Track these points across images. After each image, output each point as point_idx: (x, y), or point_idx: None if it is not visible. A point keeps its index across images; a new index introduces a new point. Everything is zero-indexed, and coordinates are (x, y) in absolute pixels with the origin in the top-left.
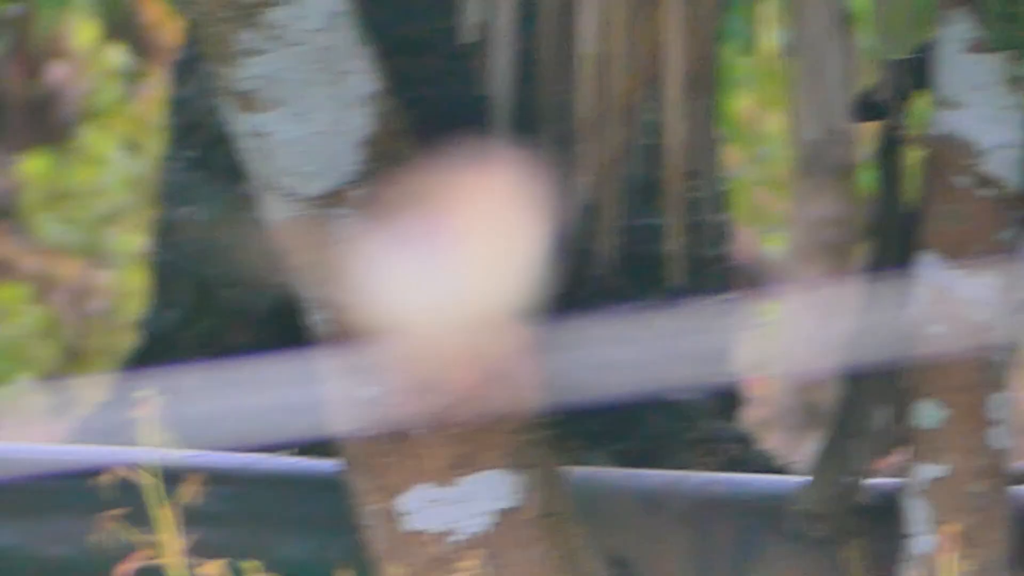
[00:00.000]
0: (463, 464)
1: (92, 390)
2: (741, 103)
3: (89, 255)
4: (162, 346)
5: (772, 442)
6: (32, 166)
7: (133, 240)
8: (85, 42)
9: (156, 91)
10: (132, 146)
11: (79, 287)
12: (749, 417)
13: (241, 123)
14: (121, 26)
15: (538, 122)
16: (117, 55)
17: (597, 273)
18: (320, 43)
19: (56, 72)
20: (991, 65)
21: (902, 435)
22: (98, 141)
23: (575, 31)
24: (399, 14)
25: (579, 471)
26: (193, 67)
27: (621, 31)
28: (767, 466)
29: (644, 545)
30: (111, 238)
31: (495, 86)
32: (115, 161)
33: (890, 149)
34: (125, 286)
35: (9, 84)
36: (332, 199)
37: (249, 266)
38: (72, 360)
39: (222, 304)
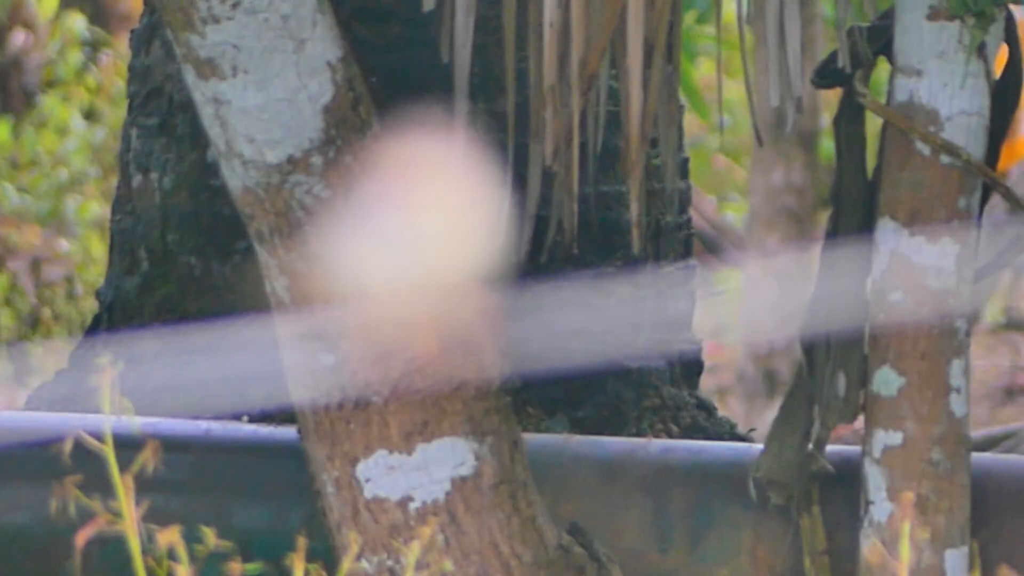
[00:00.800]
0: (422, 431)
1: (51, 357)
2: (702, 71)
3: (49, 223)
4: (122, 313)
5: (731, 409)
6: None
7: (93, 208)
8: (46, 11)
9: (115, 60)
10: (93, 114)
11: (38, 255)
12: (708, 384)
13: (201, 90)
14: None
15: (498, 89)
16: (78, 24)
17: (557, 240)
18: (281, 10)
19: (17, 41)
20: (951, 32)
21: (862, 402)
22: (59, 109)
23: None
24: None
25: (538, 438)
26: (153, 35)
27: None
28: (726, 433)
29: (602, 512)
30: (71, 206)
31: (455, 53)
32: (75, 129)
33: (850, 116)
34: (85, 254)
35: None
36: (293, 166)
37: (209, 233)
38: (31, 328)
39: (182, 271)
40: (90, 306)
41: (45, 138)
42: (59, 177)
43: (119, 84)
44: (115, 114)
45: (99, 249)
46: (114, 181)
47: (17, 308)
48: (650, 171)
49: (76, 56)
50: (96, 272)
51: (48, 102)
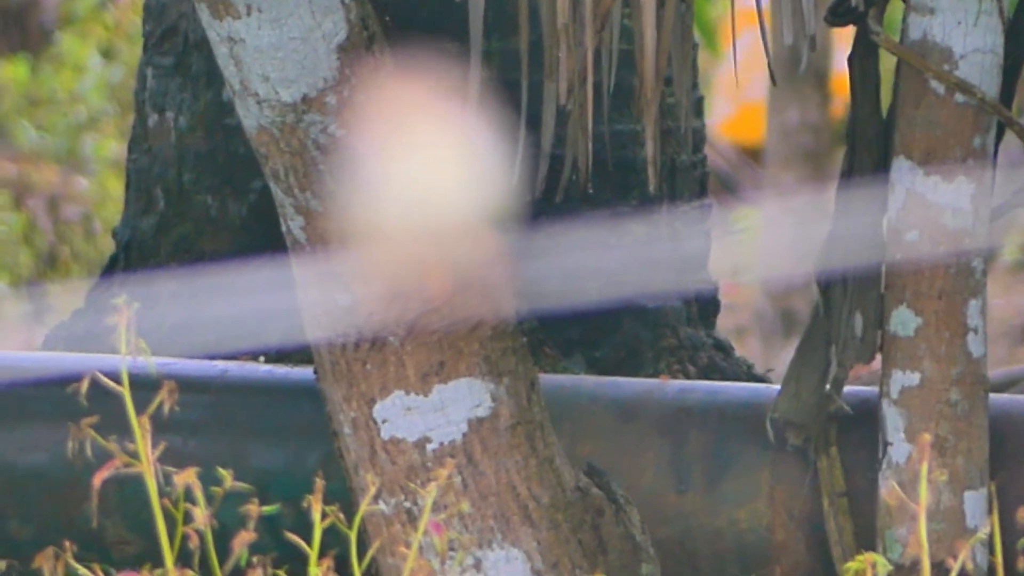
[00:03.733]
0: (439, 372)
1: (68, 297)
2: (717, 8)
3: (66, 162)
4: (138, 253)
5: (749, 349)
6: (9, 72)
7: (110, 147)
8: None
9: None
10: (109, 53)
11: (56, 194)
12: (726, 324)
13: (216, 29)
14: None
15: (512, 28)
16: None
17: (572, 179)
18: None
19: None
20: None
21: (879, 342)
22: (75, 48)
23: None
24: None
25: (555, 379)
26: None
27: None
28: (743, 373)
29: (619, 453)
30: (88, 145)
31: None
32: (92, 68)
33: (864, 55)
34: (102, 193)
35: None
36: (307, 105)
37: (225, 172)
38: (48, 267)
39: (198, 211)
40: (108, 245)
41: (62, 76)
42: (76, 115)
43: (136, 22)
44: (132, 52)
45: (117, 187)
46: (131, 119)
47: (35, 247)
48: (665, 110)
49: None
50: (114, 210)
51: (65, 40)
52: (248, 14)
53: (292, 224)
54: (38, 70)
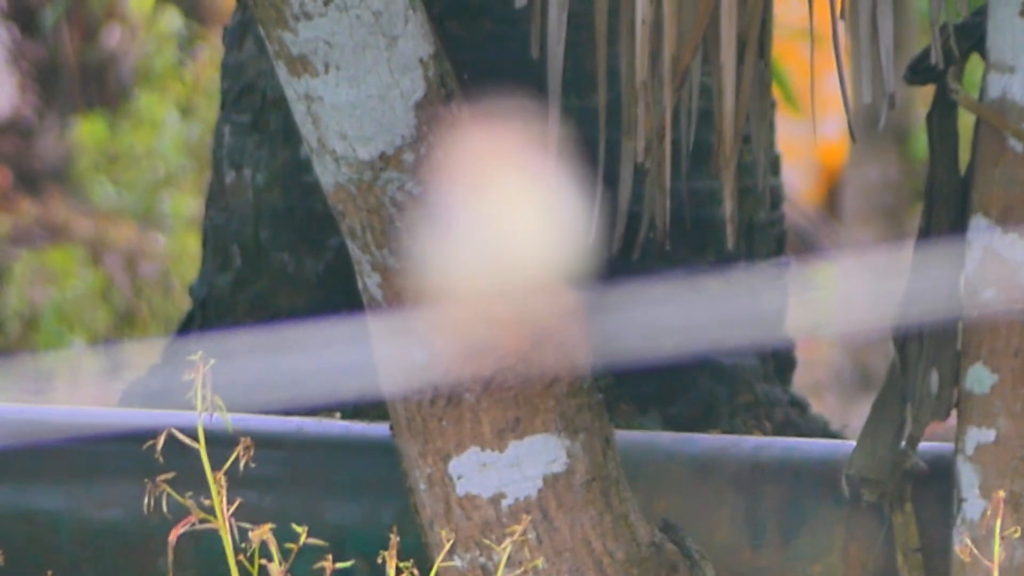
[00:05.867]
0: (514, 428)
1: (145, 354)
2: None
3: (143, 219)
4: (215, 310)
5: (824, 406)
6: (87, 130)
7: (187, 204)
8: (141, 6)
9: (210, 55)
10: (186, 110)
11: (133, 251)
12: (803, 380)
13: (294, 87)
14: None
15: (590, 86)
16: (172, 19)
17: (649, 237)
18: (373, 7)
19: (112, 36)
20: None
21: (954, 399)
22: (153, 105)
23: None
24: None
25: (630, 435)
26: (246, 32)
27: None
28: (819, 430)
29: (695, 509)
30: (165, 202)
31: (548, 49)
32: (169, 125)
33: (943, 113)
34: (178, 250)
35: (65, 48)
36: (385, 163)
37: (302, 229)
38: (125, 324)
39: (275, 268)
40: (185, 302)
41: (140, 133)
42: (154, 172)
43: (214, 79)
44: (210, 109)
45: (194, 245)
46: (208, 177)
47: (112, 304)
48: (743, 168)
49: (171, 51)
50: (191, 267)
51: (143, 97)
52: (326, 72)
53: (368, 281)
54: (116, 127)
